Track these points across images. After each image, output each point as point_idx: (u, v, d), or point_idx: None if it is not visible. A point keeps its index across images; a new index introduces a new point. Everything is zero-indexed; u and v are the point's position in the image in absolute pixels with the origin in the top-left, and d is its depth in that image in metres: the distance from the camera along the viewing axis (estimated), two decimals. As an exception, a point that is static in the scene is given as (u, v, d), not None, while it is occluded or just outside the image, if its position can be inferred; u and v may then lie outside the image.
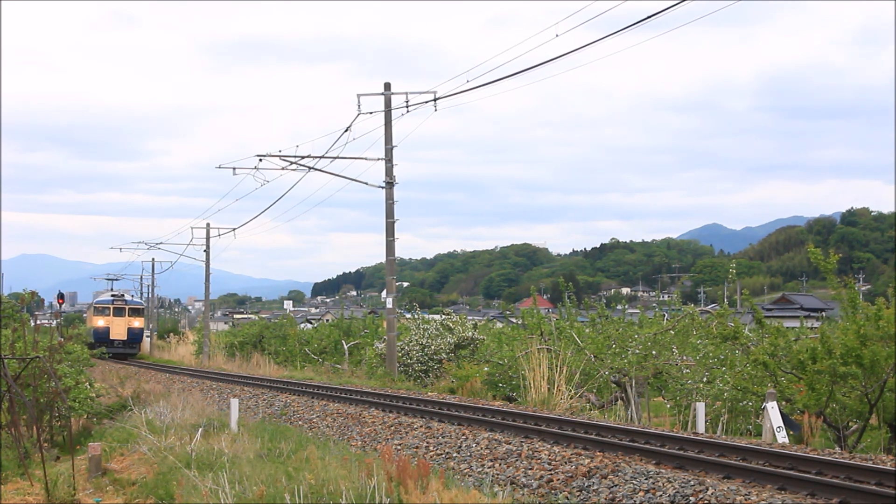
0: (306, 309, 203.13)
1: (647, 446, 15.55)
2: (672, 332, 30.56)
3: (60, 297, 71.21)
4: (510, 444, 17.44)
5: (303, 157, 39.12)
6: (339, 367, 46.83)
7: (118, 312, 76.43)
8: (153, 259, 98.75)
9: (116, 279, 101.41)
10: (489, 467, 15.86)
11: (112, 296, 79.42)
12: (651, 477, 13.63)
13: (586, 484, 13.88)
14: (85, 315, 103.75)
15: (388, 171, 37.07)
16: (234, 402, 22.30)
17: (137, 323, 77.23)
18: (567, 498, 13.44)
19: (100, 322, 76.00)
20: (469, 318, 54.83)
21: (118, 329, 76.20)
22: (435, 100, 35.55)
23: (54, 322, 78.77)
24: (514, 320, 54.04)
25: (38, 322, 33.21)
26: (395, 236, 37.42)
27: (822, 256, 22.74)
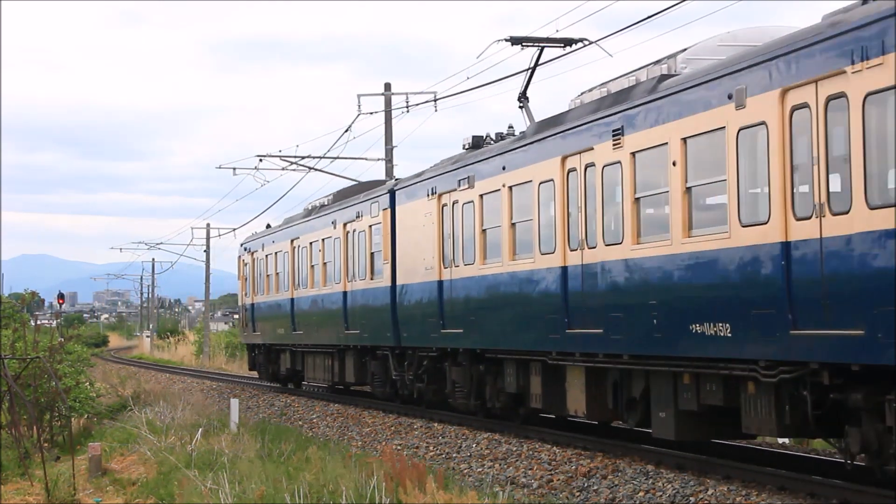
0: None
1: (647, 446, 15.53)
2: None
3: (61, 297, 71.13)
4: (510, 444, 17.44)
5: (303, 158, 39.13)
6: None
7: None
8: (153, 259, 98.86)
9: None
10: (489, 467, 15.86)
11: None
12: (651, 477, 13.63)
13: (586, 484, 13.88)
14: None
15: (389, 172, 37.08)
16: (234, 403, 22.33)
17: None
18: (567, 498, 13.44)
19: None
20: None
21: None
22: (435, 100, 35.56)
23: (54, 322, 78.27)
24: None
25: (39, 322, 33.26)
26: (396, 236, 37.28)
27: None
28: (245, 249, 36.37)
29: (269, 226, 35.45)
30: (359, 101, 36.30)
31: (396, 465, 12.45)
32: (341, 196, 27.80)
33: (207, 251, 69.87)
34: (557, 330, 16.03)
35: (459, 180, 19.47)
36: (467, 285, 19.06)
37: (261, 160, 39.90)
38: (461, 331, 19.27)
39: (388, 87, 37.16)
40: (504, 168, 17.83)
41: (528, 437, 17.89)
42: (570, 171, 15.85)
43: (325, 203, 28.58)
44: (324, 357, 27.84)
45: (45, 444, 19.89)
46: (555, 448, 16.50)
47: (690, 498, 12.44)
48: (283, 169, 39.61)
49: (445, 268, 19.95)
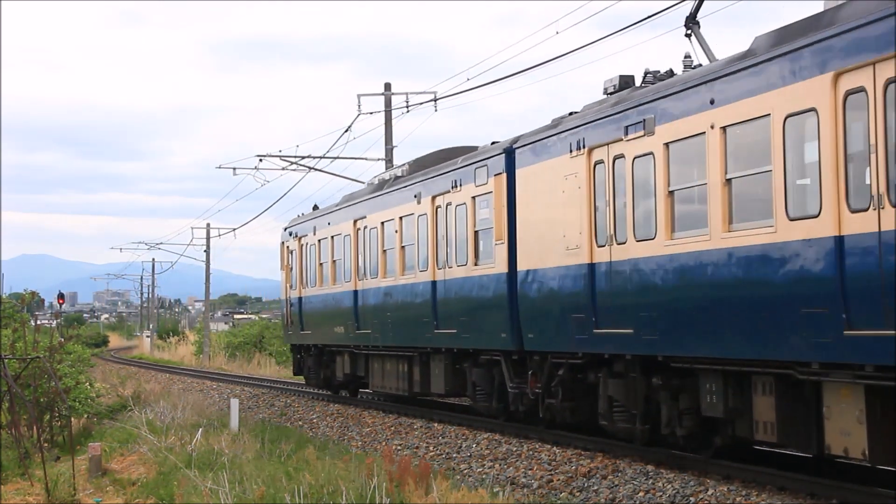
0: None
1: (647, 446, 15.51)
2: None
3: (61, 297, 71.12)
4: (510, 444, 17.44)
5: (303, 158, 39.23)
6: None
7: None
8: (153, 259, 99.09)
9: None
10: (489, 467, 15.86)
11: None
12: (651, 477, 13.63)
13: (586, 484, 13.88)
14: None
15: (389, 172, 37.11)
16: (234, 402, 22.35)
17: None
18: (567, 498, 13.44)
19: None
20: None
21: None
22: (435, 100, 35.59)
23: (54, 322, 78.03)
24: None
25: (39, 322, 33.28)
26: (396, 236, 37.17)
27: None
28: (290, 234, 30.43)
29: (315, 207, 30.69)
30: (359, 101, 36.34)
31: (400, 466, 12.45)
32: (422, 165, 22.69)
33: (207, 251, 69.95)
34: (823, 331, 10.83)
35: (627, 126, 14.24)
36: (640, 269, 14.00)
37: (261, 160, 39.98)
38: (629, 331, 14.19)
39: (388, 87, 37.18)
40: (712, 102, 12.57)
41: (528, 438, 17.89)
42: (848, 94, 10.58)
43: (401, 174, 23.33)
44: (397, 361, 22.74)
45: (45, 444, 19.89)
46: (555, 448, 16.50)
47: (690, 498, 12.44)
48: (283, 169, 39.70)
49: (600, 246, 14.95)
